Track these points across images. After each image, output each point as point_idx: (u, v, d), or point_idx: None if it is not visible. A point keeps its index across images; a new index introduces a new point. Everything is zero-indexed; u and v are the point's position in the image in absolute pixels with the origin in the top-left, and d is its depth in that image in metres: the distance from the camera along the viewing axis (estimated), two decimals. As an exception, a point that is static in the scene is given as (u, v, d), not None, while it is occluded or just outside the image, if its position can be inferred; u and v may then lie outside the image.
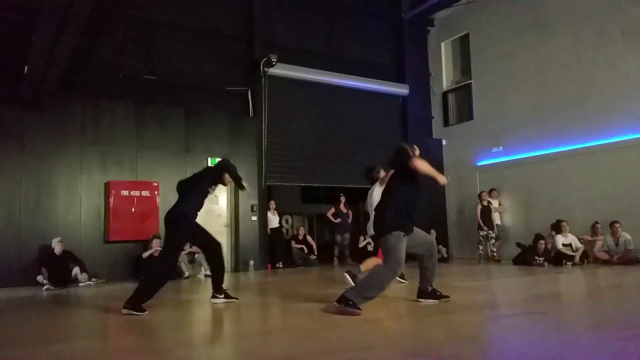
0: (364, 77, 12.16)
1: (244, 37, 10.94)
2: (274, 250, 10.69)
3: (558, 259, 9.20)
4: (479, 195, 11.14)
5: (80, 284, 7.83)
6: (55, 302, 6.22)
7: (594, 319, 3.90)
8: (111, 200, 8.82)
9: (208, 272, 9.09)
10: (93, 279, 8.03)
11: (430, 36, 13.86)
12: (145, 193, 9.10)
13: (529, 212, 11.12)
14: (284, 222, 11.65)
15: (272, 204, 10.88)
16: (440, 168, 13.13)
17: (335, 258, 11.50)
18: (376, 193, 6.25)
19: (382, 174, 6.41)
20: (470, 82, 12.80)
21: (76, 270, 7.95)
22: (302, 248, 11.29)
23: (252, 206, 10.38)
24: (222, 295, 5.14)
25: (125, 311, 4.48)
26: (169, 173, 9.31)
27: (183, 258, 8.94)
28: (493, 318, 4.11)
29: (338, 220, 11.43)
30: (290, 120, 11.15)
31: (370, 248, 10.44)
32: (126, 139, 9.26)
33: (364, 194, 6.64)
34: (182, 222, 4.84)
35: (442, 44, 13.68)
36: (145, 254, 8.63)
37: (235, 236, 10.28)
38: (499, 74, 12.00)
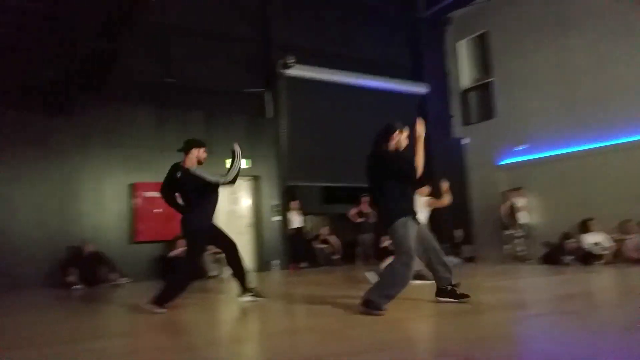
0: (380, 76, 12.11)
1: (260, 39, 11.01)
2: (298, 250, 10.73)
3: (587, 258, 9.00)
4: (504, 194, 10.99)
5: (109, 284, 7.98)
6: (85, 301, 6.34)
7: (628, 320, 3.80)
8: (136, 201, 8.96)
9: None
10: (121, 279, 8.17)
11: (447, 34, 13.73)
12: (168, 195, 9.18)
13: (556, 211, 10.92)
14: (306, 222, 11.68)
15: (295, 204, 10.91)
16: (461, 167, 13.02)
17: (358, 258, 11.47)
18: None
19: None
20: (491, 80, 12.63)
21: (105, 270, 8.11)
22: (325, 248, 11.31)
23: (273, 206, 10.43)
24: (251, 293, 5.12)
25: (147, 306, 4.53)
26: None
27: (208, 258, 9.02)
28: (522, 318, 4.04)
29: (361, 220, 11.40)
30: (309, 120, 11.15)
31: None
32: (148, 142, 9.40)
33: None
34: (198, 233, 4.84)
35: (460, 42, 13.53)
36: (171, 254, 8.74)
37: (258, 236, 10.34)
38: (520, 71, 11.81)
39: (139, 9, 6.43)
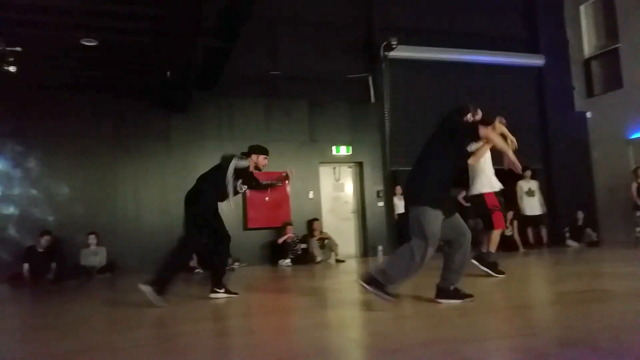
0: (491, 50, 11.41)
1: (362, 24, 10.92)
2: (403, 236, 10.55)
3: None
4: (634, 172, 9.86)
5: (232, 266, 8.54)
6: (204, 284, 6.82)
7: None
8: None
9: (339, 257, 9.33)
10: (236, 263, 8.69)
11: (566, 0, 12.53)
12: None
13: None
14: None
15: (399, 189, 10.75)
16: (585, 143, 11.92)
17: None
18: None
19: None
20: (617, 46, 11.33)
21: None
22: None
23: (377, 192, 10.37)
24: (222, 290, 4.94)
25: (144, 287, 4.43)
26: (296, 163, 9.66)
27: (314, 243, 9.26)
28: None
29: (469, 204, 10.91)
30: (414, 102, 10.87)
31: (509, 232, 9.87)
32: (257, 133, 9.80)
33: (498, 175, 6.01)
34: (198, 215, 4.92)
35: (581, 7, 12.27)
36: (280, 240, 9.12)
37: (363, 222, 10.38)
38: (654, 33, 10.45)
39: (250, 6, 6.69)
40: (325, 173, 10.44)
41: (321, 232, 9.55)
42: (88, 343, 3.22)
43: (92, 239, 8.44)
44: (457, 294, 3.86)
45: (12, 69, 7.60)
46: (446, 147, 3.80)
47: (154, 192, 9.21)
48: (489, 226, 5.67)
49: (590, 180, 11.72)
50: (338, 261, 9.21)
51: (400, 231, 10.56)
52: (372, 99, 10.64)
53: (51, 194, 8.78)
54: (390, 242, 10.32)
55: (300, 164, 9.54)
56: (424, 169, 3.77)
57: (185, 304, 4.73)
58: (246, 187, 5.30)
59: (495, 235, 5.60)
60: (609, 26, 11.75)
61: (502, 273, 5.46)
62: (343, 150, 10.29)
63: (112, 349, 3.00)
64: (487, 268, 5.44)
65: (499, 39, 11.69)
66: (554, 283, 4.93)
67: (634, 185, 9.70)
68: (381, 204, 10.38)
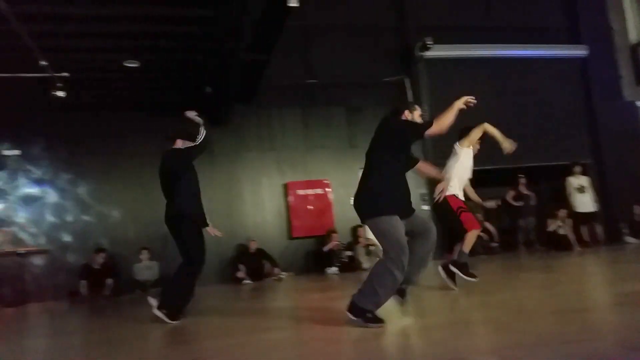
0: (532, 44, 11.08)
1: (396, 25, 10.83)
2: (451, 239, 10.34)
3: None
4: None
5: (273, 278, 8.60)
6: (254, 295, 6.89)
7: None
8: (290, 199, 9.52)
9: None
10: (283, 273, 8.74)
11: (609, -15, 12.03)
12: (318, 191, 9.64)
13: None
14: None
15: (444, 191, 10.55)
16: (637, 133, 11.38)
17: (520, 245, 10.70)
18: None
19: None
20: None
21: (268, 265, 8.77)
22: (481, 236, 10.76)
23: (422, 195, 10.21)
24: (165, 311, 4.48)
25: (157, 312, 4.38)
26: (336, 170, 9.73)
27: (360, 250, 9.21)
28: None
29: (520, 203, 10.61)
30: (452, 102, 10.65)
31: (562, 231, 9.53)
32: (296, 142, 9.90)
33: (546, 172, 5.80)
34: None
35: (626, -9, 11.77)
36: (326, 248, 9.11)
37: (408, 226, 10.24)
38: None
39: (284, 17, 6.77)
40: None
41: (366, 239, 9.48)
42: (146, 357, 3.29)
43: (145, 254, 8.69)
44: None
45: (60, 94, 7.95)
46: (389, 151, 3.66)
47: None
48: (462, 231, 5.18)
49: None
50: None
51: (448, 234, 10.35)
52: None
53: (103, 215, 9.08)
54: (438, 245, 10.12)
55: (340, 171, 9.56)
56: (368, 181, 3.63)
57: (244, 315, 4.77)
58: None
59: (471, 236, 5.13)
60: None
61: (474, 276, 5.06)
62: (383, 155, 10.18)
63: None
64: (459, 270, 5.03)
65: (538, 31, 11.33)
66: (614, 283, 4.69)
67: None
68: (426, 207, 10.21)
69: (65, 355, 3.75)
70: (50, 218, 8.85)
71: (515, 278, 6.27)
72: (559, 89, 11.21)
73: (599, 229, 10.14)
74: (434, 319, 3.90)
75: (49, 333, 5.23)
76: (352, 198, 3.74)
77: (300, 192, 9.57)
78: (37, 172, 8.92)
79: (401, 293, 3.98)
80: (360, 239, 9.36)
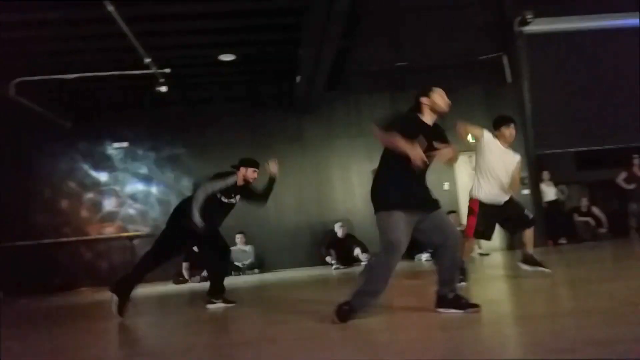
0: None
1: (490, 0, 10.21)
2: (555, 225, 9.72)
3: None
4: None
5: (362, 263, 8.60)
6: (342, 281, 6.94)
7: None
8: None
9: (482, 251, 8.87)
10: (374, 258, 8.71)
11: None
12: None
13: None
14: (560, 193, 10.45)
15: (546, 175, 9.90)
16: None
17: (633, 230, 9.76)
18: None
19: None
20: None
21: (357, 250, 8.77)
22: (587, 221, 9.97)
23: (521, 179, 9.63)
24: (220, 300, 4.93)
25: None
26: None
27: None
28: None
29: (632, 186, 9.65)
30: (556, 79, 9.92)
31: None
32: (385, 127, 9.74)
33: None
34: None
35: None
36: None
37: (506, 212, 9.72)
38: None
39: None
40: (461, 162, 9.96)
41: (460, 225, 9.14)
42: (248, 335, 3.44)
43: (240, 238, 9.10)
44: (458, 303, 3.37)
45: (163, 89, 8.52)
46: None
47: (292, 192, 9.63)
48: (527, 223, 4.98)
49: None
50: (481, 255, 8.75)
51: (551, 220, 9.71)
52: (509, 79, 9.90)
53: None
54: (539, 231, 9.51)
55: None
56: (375, 178, 3.54)
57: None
58: (238, 196, 5.23)
59: (467, 244, 4.77)
60: None
61: (465, 281, 4.65)
62: (479, 137, 9.71)
63: (270, 340, 3.17)
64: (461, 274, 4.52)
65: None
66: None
67: None
68: (526, 191, 9.61)
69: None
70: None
71: (626, 267, 5.73)
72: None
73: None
74: (530, 309, 3.66)
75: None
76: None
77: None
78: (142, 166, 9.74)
79: (458, 301, 3.50)
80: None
